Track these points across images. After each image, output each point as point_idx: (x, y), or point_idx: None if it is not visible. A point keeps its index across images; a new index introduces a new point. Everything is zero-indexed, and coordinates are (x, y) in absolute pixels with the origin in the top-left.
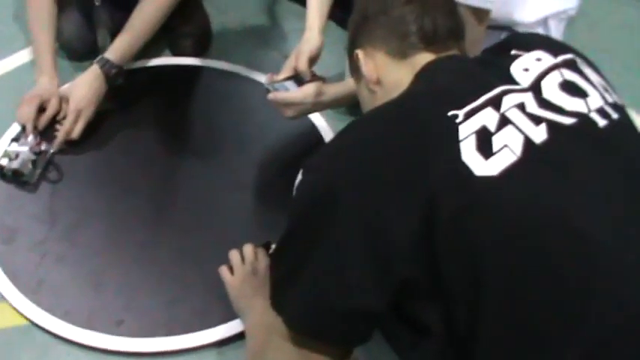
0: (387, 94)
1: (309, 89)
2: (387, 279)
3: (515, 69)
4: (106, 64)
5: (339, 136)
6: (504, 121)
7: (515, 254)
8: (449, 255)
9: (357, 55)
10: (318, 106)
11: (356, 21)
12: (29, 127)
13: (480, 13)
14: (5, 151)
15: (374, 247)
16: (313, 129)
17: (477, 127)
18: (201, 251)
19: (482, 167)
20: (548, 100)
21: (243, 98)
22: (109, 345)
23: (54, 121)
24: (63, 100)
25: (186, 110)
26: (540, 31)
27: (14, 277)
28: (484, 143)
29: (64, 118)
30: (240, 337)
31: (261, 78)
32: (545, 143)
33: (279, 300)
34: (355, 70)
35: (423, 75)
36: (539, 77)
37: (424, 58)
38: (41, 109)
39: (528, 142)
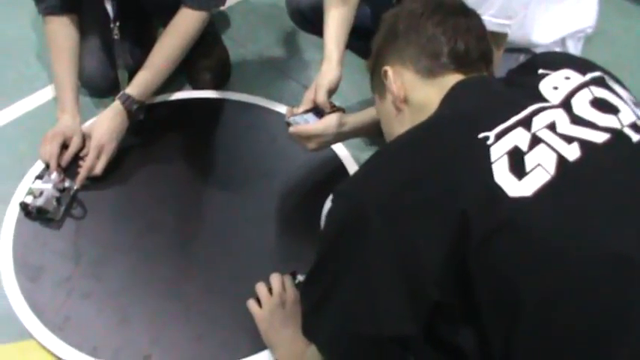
0: (414, 113)
1: (329, 121)
2: (420, 303)
3: (544, 87)
4: (127, 100)
5: (369, 163)
6: (536, 141)
7: (551, 277)
8: (482, 278)
9: (385, 71)
10: (340, 137)
11: (384, 37)
12: (53, 165)
13: (497, 37)
14: (29, 188)
15: (405, 271)
16: (335, 159)
17: (509, 147)
18: (227, 284)
19: (515, 188)
20: (579, 116)
21: (263, 129)
22: None
23: (77, 157)
24: (86, 136)
25: (207, 143)
26: (558, 51)
27: (40, 315)
28: (517, 163)
29: (87, 154)
30: None
31: (281, 109)
32: (579, 161)
33: (312, 326)
34: (380, 87)
35: (452, 96)
36: (569, 95)
37: (454, 78)
38: (64, 147)
39: (562, 160)
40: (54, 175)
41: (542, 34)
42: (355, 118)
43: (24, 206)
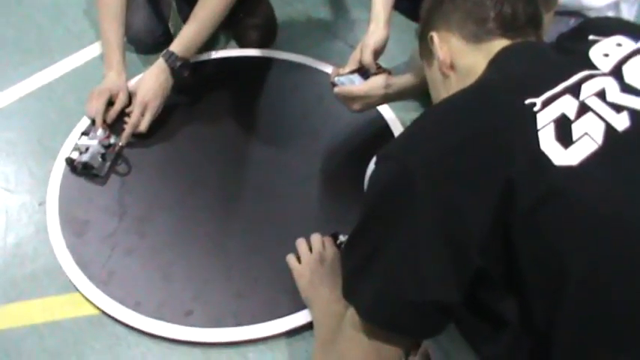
0: (460, 79)
1: (374, 82)
2: (463, 269)
3: (594, 54)
4: (170, 57)
5: (413, 125)
6: (584, 109)
7: (597, 247)
8: (527, 245)
9: (431, 37)
10: (384, 99)
11: (431, 3)
12: (98, 121)
13: (548, 1)
14: (75, 144)
15: (450, 236)
16: (381, 120)
17: (556, 115)
18: (269, 243)
19: (561, 156)
20: (630, 85)
21: (310, 89)
22: (178, 335)
23: (122, 114)
24: (131, 94)
25: (252, 102)
26: (611, 14)
27: (86, 269)
28: (563, 132)
29: (132, 111)
30: (308, 327)
31: (328, 68)
32: (628, 131)
33: (352, 290)
34: (427, 53)
35: (499, 61)
36: (621, 62)
37: (500, 44)
38: (110, 103)
39: (610, 130)
40: (99, 132)
41: None
42: (401, 80)
43: (70, 162)
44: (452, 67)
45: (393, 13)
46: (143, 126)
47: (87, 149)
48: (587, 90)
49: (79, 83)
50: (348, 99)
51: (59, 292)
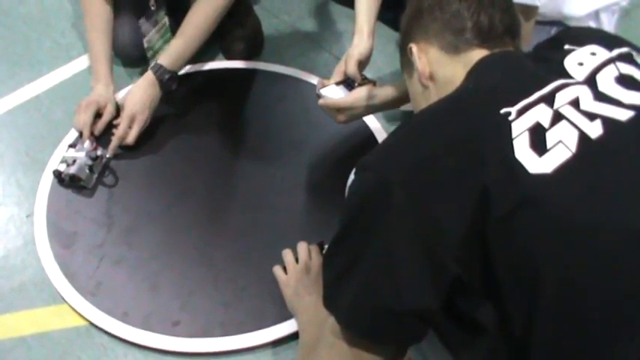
0: (439, 89)
1: (359, 93)
2: (440, 277)
3: (569, 63)
4: (159, 70)
5: (391, 136)
6: (558, 117)
7: (572, 254)
8: (503, 253)
9: (410, 49)
10: (369, 110)
11: (410, 15)
12: (86, 133)
13: (528, 10)
14: (63, 157)
15: (427, 245)
16: (366, 130)
17: (531, 123)
18: (256, 253)
19: (536, 164)
20: (604, 93)
21: (295, 100)
22: (166, 345)
23: (110, 126)
24: (119, 106)
25: (239, 113)
26: (592, 24)
27: (73, 280)
28: (538, 140)
29: (120, 124)
30: (294, 337)
31: (314, 80)
32: (601, 138)
33: (332, 299)
34: (407, 64)
35: (476, 70)
36: (595, 71)
37: (479, 54)
38: (97, 116)
39: (584, 138)
40: (87, 144)
41: (575, 7)
42: (385, 91)
43: (57, 174)
44: (431, 77)
45: (377, 24)
46: (130, 138)
47: (74, 161)
48: (562, 99)
49: (66, 96)
50: (333, 110)
51: (47, 303)
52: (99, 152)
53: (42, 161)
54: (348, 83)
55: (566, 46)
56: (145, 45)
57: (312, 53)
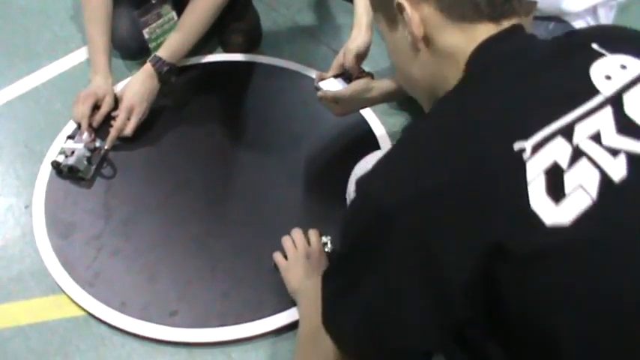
0: (437, 58)
1: (357, 86)
2: (444, 316)
3: (596, 73)
4: (158, 62)
5: (394, 154)
6: (578, 154)
7: (591, 315)
8: (513, 312)
9: (399, 4)
10: (367, 102)
11: None
12: (84, 125)
13: (526, 5)
14: (61, 148)
15: (428, 283)
16: (364, 123)
17: (547, 164)
18: (254, 244)
19: (552, 214)
20: (630, 119)
21: (294, 93)
22: (164, 335)
23: (109, 118)
24: (118, 98)
25: (237, 106)
26: (589, 19)
27: (71, 270)
28: (555, 184)
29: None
30: (291, 327)
31: (312, 73)
32: (624, 181)
33: (329, 319)
34: (389, 18)
35: (483, 66)
36: (623, 89)
37: (485, 29)
38: (96, 107)
39: (605, 181)
40: (85, 135)
41: (573, 2)
42: (383, 83)
43: (56, 165)
44: (426, 41)
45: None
46: (129, 130)
47: (72, 152)
48: (582, 132)
49: (65, 87)
50: (332, 103)
51: (45, 293)
52: (97, 144)
53: (40, 152)
54: (347, 76)
55: (595, 46)
56: (146, 36)
57: (311, 47)
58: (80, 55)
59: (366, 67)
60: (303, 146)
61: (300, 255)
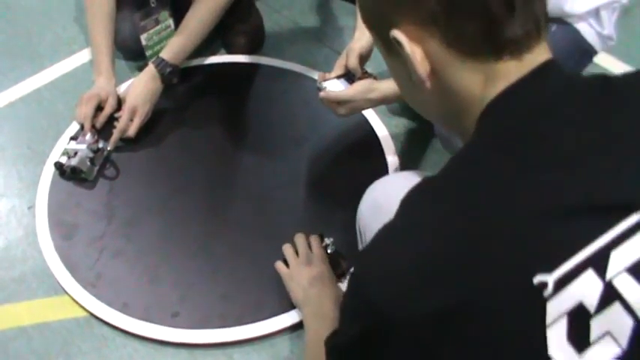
0: (446, 97)
1: (359, 87)
2: None
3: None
4: (160, 64)
5: (393, 246)
6: (609, 295)
7: None
8: None
9: (394, 39)
10: (370, 103)
11: None
12: (87, 126)
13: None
14: (64, 149)
15: None
16: (366, 124)
17: (572, 304)
18: (255, 246)
19: None
20: None
21: (296, 95)
22: (165, 336)
23: (111, 119)
24: (121, 99)
25: (240, 107)
26: (592, 22)
27: (74, 271)
28: (579, 329)
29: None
30: (293, 329)
31: (315, 75)
32: None
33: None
34: (384, 42)
35: (496, 126)
36: None
37: (505, 69)
38: (99, 109)
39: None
40: (88, 136)
41: (576, 4)
42: (385, 84)
43: (59, 166)
44: (433, 74)
45: None
46: (131, 131)
47: (75, 153)
48: (618, 260)
49: (68, 89)
50: (334, 103)
51: (47, 294)
52: (100, 145)
53: (43, 154)
54: (349, 77)
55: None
56: (144, 42)
57: (313, 48)
58: (83, 56)
59: (368, 68)
60: (305, 148)
61: (302, 263)
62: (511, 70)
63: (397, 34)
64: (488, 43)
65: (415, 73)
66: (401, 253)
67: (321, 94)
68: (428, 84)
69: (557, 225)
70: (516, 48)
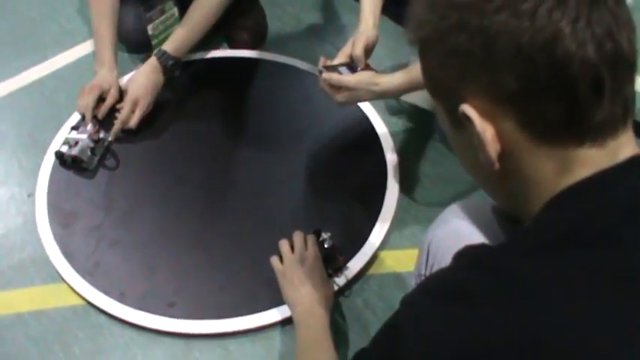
0: (514, 181)
1: (362, 76)
2: None
3: None
4: (163, 56)
5: (451, 316)
6: None
7: None
8: None
9: (463, 114)
10: (369, 95)
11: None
12: (88, 116)
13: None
14: (65, 138)
15: None
16: (366, 121)
17: None
18: (251, 239)
19: None
20: None
21: (296, 90)
22: (161, 326)
23: (113, 110)
24: (123, 91)
25: (240, 102)
26: None
27: (72, 260)
28: None
29: (123, 108)
30: (288, 321)
31: (316, 71)
32: None
33: None
34: (449, 113)
35: (563, 223)
36: None
37: (585, 158)
38: (101, 99)
39: None
40: (89, 127)
41: None
42: (387, 79)
43: (60, 155)
44: (502, 159)
45: (381, 17)
46: (133, 122)
47: (76, 143)
48: None
49: (70, 79)
50: (334, 89)
51: (45, 281)
52: (101, 135)
53: (44, 143)
54: (351, 67)
55: None
56: (150, 32)
57: (315, 45)
58: (86, 47)
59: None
60: (304, 143)
61: (295, 260)
62: (592, 158)
63: (468, 109)
64: (570, 128)
65: (483, 153)
66: (453, 331)
67: (324, 75)
68: (496, 166)
69: None
70: (600, 134)
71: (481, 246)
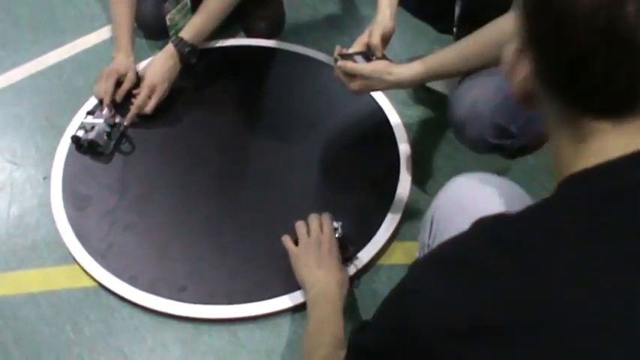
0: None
1: (377, 65)
2: None
3: None
4: (180, 43)
5: (454, 283)
6: None
7: None
8: None
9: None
10: (384, 84)
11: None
12: (106, 101)
13: None
14: (81, 123)
15: None
16: (380, 112)
17: None
18: (264, 226)
19: None
20: None
21: (312, 80)
22: (171, 310)
23: (129, 95)
24: (140, 77)
25: (256, 90)
26: None
27: (85, 242)
28: None
29: (139, 93)
30: (296, 309)
31: (332, 62)
32: None
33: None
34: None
35: (580, 210)
36: None
37: (600, 134)
38: (117, 85)
39: None
40: (105, 111)
41: None
42: (402, 69)
43: (76, 139)
44: (529, 102)
45: (397, 9)
46: (149, 108)
47: (93, 128)
48: None
49: (88, 64)
50: (349, 77)
51: (58, 262)
52: (117, 120)
53: (61, 126)
54: (367, 56)
55: None
56: (168, 22)
57: (332, 36)
58: (104, 33)
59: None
60: (318, 133)
61: (312, 243)
62: (604, 139)
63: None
64: (575, 94)
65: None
66: (458, 298)
67: (339, 63)
68: (517, 97)
69: None
70: (612, 108)
71: (497, 217)
